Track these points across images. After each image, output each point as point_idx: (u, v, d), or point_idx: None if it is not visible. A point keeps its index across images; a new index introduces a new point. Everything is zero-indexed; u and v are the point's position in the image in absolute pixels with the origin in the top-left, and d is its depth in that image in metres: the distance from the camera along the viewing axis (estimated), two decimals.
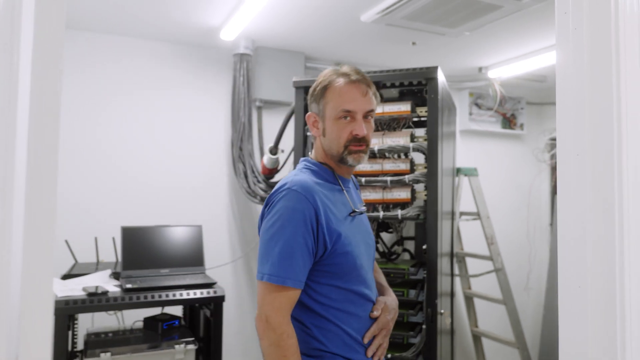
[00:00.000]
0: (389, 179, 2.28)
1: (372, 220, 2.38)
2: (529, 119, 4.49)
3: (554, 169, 4.32)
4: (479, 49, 3.41)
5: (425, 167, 2.25)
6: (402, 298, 2.29)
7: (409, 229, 3.02)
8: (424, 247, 2.24)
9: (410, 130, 2.34)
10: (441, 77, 2.33)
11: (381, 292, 1.55)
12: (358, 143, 1.39)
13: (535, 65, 3.56)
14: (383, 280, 1.62)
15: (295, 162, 2.40)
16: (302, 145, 2.41)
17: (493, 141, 4.39)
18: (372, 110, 1.42)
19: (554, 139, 4.28)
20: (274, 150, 2.79)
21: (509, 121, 4.38)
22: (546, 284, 4.18)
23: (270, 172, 2.96)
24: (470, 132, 4.26)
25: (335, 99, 1.38)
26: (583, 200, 1.00)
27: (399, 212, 2.27)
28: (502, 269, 3.56)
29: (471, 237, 3.92)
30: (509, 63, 3.63)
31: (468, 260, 3.80)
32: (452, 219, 3.17)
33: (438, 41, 3.16)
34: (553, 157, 4.28)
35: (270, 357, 1.25)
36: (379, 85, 2.43)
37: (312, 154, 1.50)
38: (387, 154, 2.39)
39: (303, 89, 2.42)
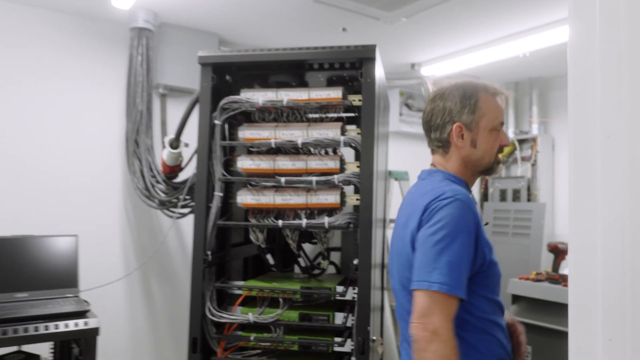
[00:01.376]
0: (314, 179, 1.87)
1: (293, 229, 1.97)
2: None
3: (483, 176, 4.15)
4: (414, 42, 3.12)
5: (358, 166, 1.87)
6: (326, 325, 1.89)
7: (335, 238, 2.65)
8: (355, 262, 1.86)
9: (341, 121, 1.95)
10: (379, 63, 1.97)
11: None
12: (501, 153, 1.43)
13: (470, 64, 3.33)
14: None
15: (202, 158, 1.94)
16: (209, 137, 1.94)
17: (423, 144, 4.13)
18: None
19: None
20: (175, 143, 2.29)
21: None
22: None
23: (173, 170, 2.45)
24: (400, 134, 3.99)
25: (492, 112, 1.39)
26: (619, 198, 0.65)
27: (326, 220, 1.87)
28: None
29: None
30: (443, 60, 3.38)
31: None
32: (384, 227, 2.83)
33: (371, 28, 2.82)
34: None
35: None
36: (305, 66, 2.03)
37: (442, 165, 1.46)
38: (312, 149, 1.99)
39: (211, 67, 1.96)
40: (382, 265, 2.64)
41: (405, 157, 3.98)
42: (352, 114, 2.00)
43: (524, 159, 3.86)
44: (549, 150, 3.79)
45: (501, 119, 1.41)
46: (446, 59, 3.36)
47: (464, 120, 1.39)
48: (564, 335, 2.66)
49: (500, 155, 1.42)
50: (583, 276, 0.71)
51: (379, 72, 2.01)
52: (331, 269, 2.49)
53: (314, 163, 1.92)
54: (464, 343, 1.28)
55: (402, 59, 3.48)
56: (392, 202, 3.29)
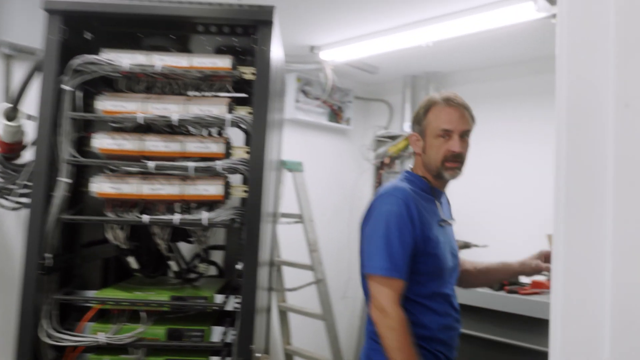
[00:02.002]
0: (192, 164, 1.53)
1: (165, 225, 1.61)
2: (355, 114, 4.13)
3: (378, 169, 4.03)
4: (313, 22, 2.86)
5: (248, 152, 1.56)
6: (199, 343, 1.56)
7: (219, 233, 2.31)
8: (239, 266, 1.55)
9: (229, 97, 1.62)
10: (277, 35, 1.66)
11: (514, 268, 1.76)
12: (454, 160, 1.54)
13: (371, 51, 3.15)
14: (491, 266, 1.83)
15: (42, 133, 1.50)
16: (53, 107, 1.51)
17: (318, 134, 3.91)
18: (468, 131, 1.57)
19: (380, 137, 3.98)
20: (13, 114, 1.79)
21: (335, 114, 3.95)
22: (358, 322, 3.87)
23: (12, 149, 1.93)
24: (295, 123, 3.71)
25: (435, 120, 1.54)
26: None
27: (205, 216, 1.54)
28: (323, 279, 3.06)
29: (290, 242, 3.36)
30: (344, 44, 3.15)
31: (285, 269, 3.23)
32: (274, 222, 2.55)
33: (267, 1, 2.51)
34: (378, 156, 3.98)
35: (389, 339, 1.41)
36: (187, 27, 1.66)
37: (412, 168, 1.66)
38: (192, 129, 1.64)
39: (61, 16, 1.52)
40: (271, 263, 2.36)
41: (301, 147, 3.73)
42: (243, 95, 1.68)
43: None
44: None
45: (444, 127, 1.53)
46: (347, 44, 3.14)
47: (416, 130, 1.62)
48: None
49: (451, 164, 1.54)
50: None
51: (277, 47, 1.72)
52: (213, 270, 2.16)
53: (193, 146, 1.57)
54: (410, 321, 1.46)
55: (300, 40, 3.20)
56: (284, 195, 3.01)
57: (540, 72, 3.28)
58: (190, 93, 1.64)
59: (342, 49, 3.20)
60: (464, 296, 2.56)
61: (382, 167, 3.99)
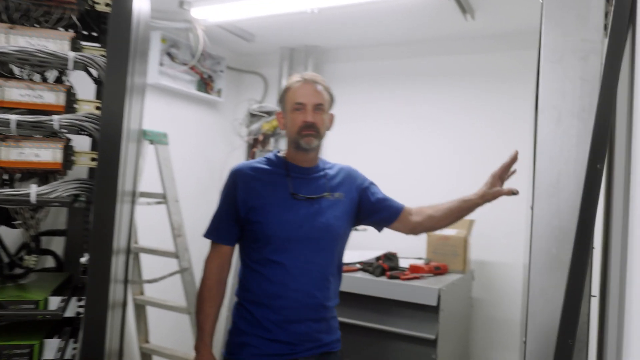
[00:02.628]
0: (14, 117, 1.09)
1: None
2: (228, 85, 3.76)
3: (251, 146, 3.72)
4: None
5: (99, 107, 1.16)
6: None
7: (61, 216, 1.85)
8: (84, 259, 1.16)
9: (73, 32, 1.21)
10: None
11: (475, 201, 1.75)
12: (309, 129, 1.65)
13: (249, 12, 2.82)
14: (454, 203, 1.81)
15: None
16: None
17: (185, 104, 3.48)
18: (321, 104, 1.68)
19: (255, 112, 3.67)
20: None
21: (205, 84, 3.55)
22: (232, 280, 3.55)
23: None
24: (159, 89, 3.24)
25: (292, 96, 1.68)
26: None
27: (34, 190, 1.12)
28: (189, 268, 2.70)
29: (150, 226, 2.93)
30: (219, 2, 2.78)
31: (144, 257, 2.80)
32: (133, 202, 2.13)
33: None
34: (251, 133, 3.68)
35: (199, 289, 1.71)
36: None
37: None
38: (17, 70, 1.20)
39: None
40: (128, 251, 1.95)
41: (164, 117, 3.27)
42: (93, 34, 1.27)
43: None
44: None
45: (298, 100, 1.65)
46: (222, 1, 2.77)
47: (280, 108, 1.75)
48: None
49: (305, 132, 1.64)
50: None
51: None
52: (49, 263, 1.70)
53: (18, 93, 1.13)
54: (240, 283, 1.69)
55: None
56: (145, 171, 2.58)
57: (422, 54, 3.26)
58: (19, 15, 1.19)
59: (216, 7, 2.82)
60: (344, 284, 2.41)
61: (255, 144, 3.70)
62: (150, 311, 2.88)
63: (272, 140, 3.68)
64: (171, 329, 3.16)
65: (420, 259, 2.84)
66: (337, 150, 3.54)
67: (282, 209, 1.64)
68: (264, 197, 1.65)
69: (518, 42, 2.94)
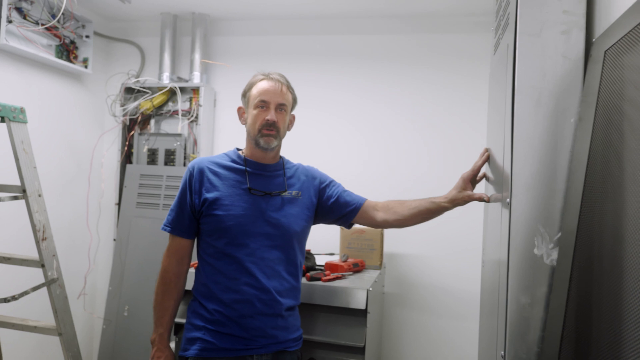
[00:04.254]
0: None
1: None
2: (95, 55, 3.15)
3: (128, 128, 3.17)
4: None
5: None
6: None
7: None
8: None
9: None
10: None
11: (444, 206, 1.68)
12: (270, 128, 1.67)
13: None
14: (424, 203, 1.73)
15: None
16: None
17: (43, 74, 2.82)
18: (284, 104, 1.71)
19: (132, 87, 3.12)
20: None
21: (68, 51, 2.92)
22: (109, 287, 3.01)
23: None
24: (9, 54, 2.57)
25: (256, 93, 1.70)
26: None
27: None
28: (59, 279, 2.16)
29: (4, 226, 2.31)
30: None
31: None
32: None
33: None
34: (128, 112, 3.12)
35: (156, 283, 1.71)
36: None
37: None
38: None
39: None
40: None
41: (20, 87, 2.62)
42: None
43: (183, 113, 3.10)
44: (211, 106, 3.16)
45: (261, 98, 1.68)
46: None
47: (243, 104, 1.79)
48: None
49: (267, 131, 1.67)
50: None
51: None
52: None
53: None
54: (195, 278, 1.71)
55: None
56: None
57: (330, 32, 3.00)
58: None
59: None
60: None
61: (132, 126, 3.16)
62: (6, 334, 2.28)
63: (152, 121, 3.18)
64: (33, 355, 2.57)
65: (332, 254, 2.62)
66: (227, 128, 3.18)
67: (238, 203, 1.65)
68: (221, 191, 1.66)
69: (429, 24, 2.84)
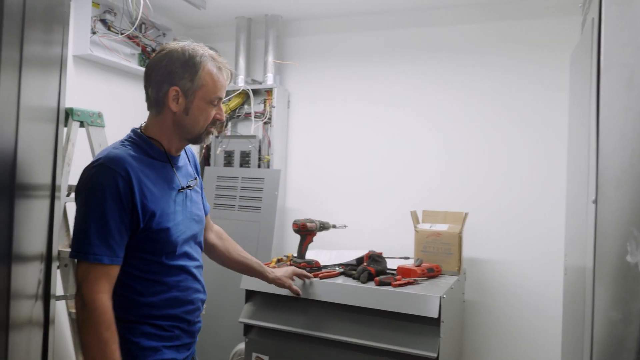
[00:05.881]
0: None
1: None
2: None
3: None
4: None
5: None
6: None
7: None
8: None
9: None
10: None
11: (260, 272, 1.82)
12: (219, 126, 1.51)
13: None
14: (252, 262, 1.81)
15: None
16: None
17: (126, 82, 2.96)
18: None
19: None
20: None
21: (149, 58, 3.04)
22: None
23: None
24: (91, 62, 2.73)
25: (212, 85, 1.42)
26: None
27: None
28: None
29: None
30: None
31: None
32: (53, 197, 1.64)
33: None
34: None
35: (83, 332, 1.27)
36: None
37: (143, 127, 1.47)
38: None
39: None
40: (49, 258, 1.47)
41: (101, 94, 2.77)
42: None
43: (256, 115, 3.12)
44: (284, 107, 3.15)
45: (220, 94, 1.44)
46: None
47: (181, 86, 1.40)
48: (309, 340, 2.02)
49: (213, 129, 1.47)
50: None
51: None
52: None
53: None
54: (125, 300, 1.36)
55: None
56: (74, 157, 2.08)
57: (404, 25, 2.88)
58: None
59: None
60: (321, 292, 2.02)
61: None
62: None
63: (229, 124, 3.23)
64: None
65: (407, 258, 2.49)
66: (301, 129, 3.15)
67: (175, 209, 1.44)
68: (158, 200, 1.38)
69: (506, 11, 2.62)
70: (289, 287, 1.90)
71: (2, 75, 0.92)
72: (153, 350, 1.41)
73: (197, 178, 1.60)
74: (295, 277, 1.98)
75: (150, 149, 1.43)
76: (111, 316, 1.29)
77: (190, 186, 1.52)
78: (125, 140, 1.44)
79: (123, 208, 1.30)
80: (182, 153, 1.56)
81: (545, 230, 2.47)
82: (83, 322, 1.27)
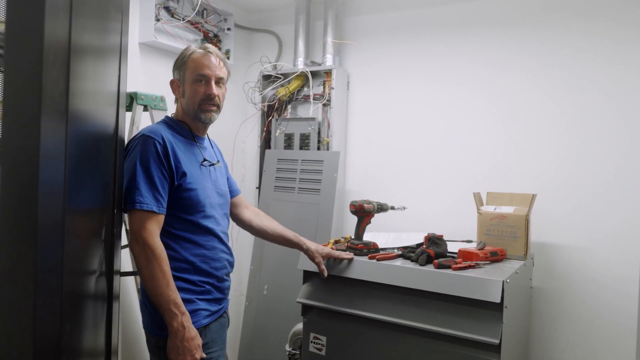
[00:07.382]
0: None
1: None
2: (237, 46, 3.31)
3: (266, 115, 3.27)
4: None
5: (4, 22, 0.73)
6: None
7: None
8: None
9: None
10: None
11: (296, 243, 2.02)
12: (210, 102, 1.72)
13: None
14: (288, 233, 2.05)
15: None
16: None
17: None
18: (222, 78, 1.76)
19: (268, 76, 3.21)
20: None
21: (211, 44, 3.10)
22: (250, 266, 3.15)
23: None
24: (155, 49, 2.81)
25: (194, 67, 1.70)
26: None
27: None
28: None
29: None
30: None
31: None
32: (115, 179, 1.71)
33: None
34: (265, 99, 3.23)
35: (147, 269, 1.53)
36: None
37: (173, 113, 1.81)
38: None
39: None
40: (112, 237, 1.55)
41: (165, 79, 2.84)
42: None
43: (315, 97, 3.10)
44: (343, 88, 3.11)
45: (202, 72, 1.70)
46: None
47: (177, 76, 1.77)
48: (365, 322, 1.99)
49: (208, 105, 1.72)
50: None
51: None
52: None
53: None
54: (171, 255, 1.61)
55: None
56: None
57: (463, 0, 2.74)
58: None
59: None
60: (379, 274, 1.98)
61: (270, 112, 3.25)
62: None
63: (289, 107, 3.23)
64: None
65: (469, 241, 2.39)
66: (360, 110, 3.09)
67: (202, 176, 1.72)
68: (187, 165, 1.67)
69: None
70: (318, 264, 1.99)
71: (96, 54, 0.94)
72: (187, 302, 1.63)
73: (221, 162, 1.91)
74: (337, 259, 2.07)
75: (180, 128, 1.74)
76: (164, 253, 1.56)
77: (213, 163, 1.81)
78: (160, 122, 1.76)
79: (163, 166, 1.59)
80: (208, 143, 1.87)
81: (624, 212, 2.28)
82: (146, 260, 1.53)
